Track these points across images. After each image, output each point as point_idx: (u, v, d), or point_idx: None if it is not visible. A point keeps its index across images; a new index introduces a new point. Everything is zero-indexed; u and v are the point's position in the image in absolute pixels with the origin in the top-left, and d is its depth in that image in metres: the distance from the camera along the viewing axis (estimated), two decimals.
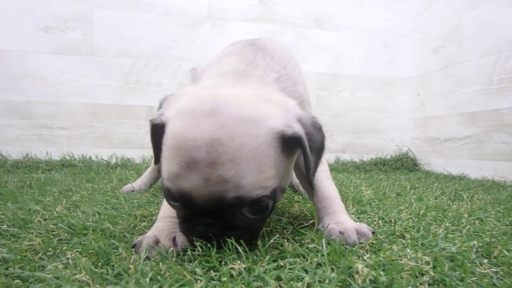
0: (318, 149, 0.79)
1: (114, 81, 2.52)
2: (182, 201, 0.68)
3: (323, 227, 0.85)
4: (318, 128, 0.82)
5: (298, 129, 0.71)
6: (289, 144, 0.71)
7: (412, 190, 1.57)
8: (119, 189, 1.51)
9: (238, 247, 0.67)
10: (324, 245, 0.68)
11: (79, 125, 2.48)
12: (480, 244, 0.78)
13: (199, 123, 0.65)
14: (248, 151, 0.64)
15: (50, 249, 0.73)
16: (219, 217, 0.68)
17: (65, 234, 0.83)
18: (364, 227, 0.82)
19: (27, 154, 2.38)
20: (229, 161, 0.63)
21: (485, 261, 0.69)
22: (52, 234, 0.83)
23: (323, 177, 0.94)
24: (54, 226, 0.87)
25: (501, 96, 2.07)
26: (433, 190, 1.57)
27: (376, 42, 2.92)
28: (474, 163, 2.23)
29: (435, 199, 1.37)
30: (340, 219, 0.86)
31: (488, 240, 0.80)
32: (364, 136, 2.89)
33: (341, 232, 0.80)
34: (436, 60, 2.61)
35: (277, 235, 0.79)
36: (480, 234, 0.88)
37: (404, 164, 2.71)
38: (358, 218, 1.05)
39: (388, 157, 2.81)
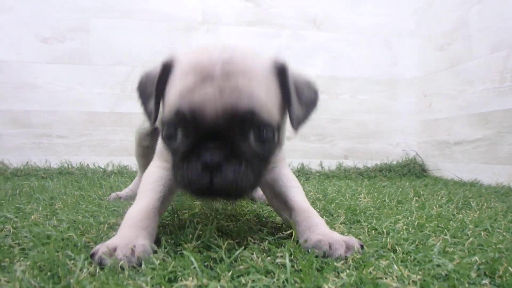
0: (308, 104, 0.83)
1: (111, 89, 2.50)
2: (190, 120, 0.67)
3: (305, 241, 0.77)
4: (310, 86, 0.86)
5: (285, 64, 0.78)
6: (283, 86, 0.77)
7: (415, 198, 1.47)
8: (107, 197, 1.47)
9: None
10: (287, 261, 0.60)
11: (76, 133, 2.47)
12: (483, 260, 0.68)
13: (214, 51, 0.71)
14: (258, 72, 0.71)
15: (6, 259, 0.67)
16: (227, 140, 0.67)
17: (30, 244, 0.77)
18: (353, 240, 0.74)
19: (27, 163, 2.37)
20: (243, 74, 0.68)
21: (487, 281, 0.60)
22: (16, 243, 0.77)
23: (297, 193, 0.91)
24: (23, 235, 0.82)
25: None
26: (439, 198, 1.46)
27: (377, 41, 2.81)
28: (487, 168, 2.11)
29: (440, 207, 1.27)
30: (326, 231, 0.79)
31: (493, 256, 0.68)
32: (367, 141, 2.78)
33: (330, 244, 0.73)
34: (442, 58, 2.50)
35: (250, 245, 0.72)
36: (485, 248, 0.78)
37: (412, 170, 2.58)
38: (349, 228, 0.96)
39: (394, 162, 2.69)
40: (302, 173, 2.50)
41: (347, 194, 1.55)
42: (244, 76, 0.68)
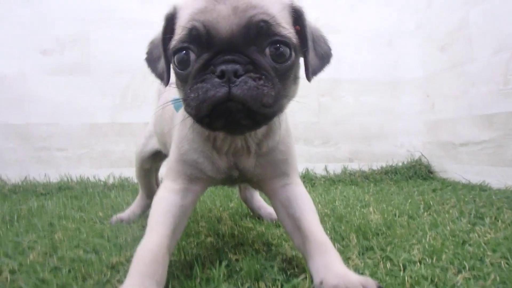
0: (323, 56, 0.84)
1: (111, 99, 2.47)
2: (205, 37, 0.67)
3: (321, 283, 0.72)
4: (325, 40, 0.89)
5: (303, 9, 0.78)
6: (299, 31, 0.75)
7: (425, 212, 1.43)
8: (108, 219, 1.43)
9: None
10: None
11: (77, 145, 2.43)
12: None
13: None
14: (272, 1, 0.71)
15: None
16: (243, 54, 0.66)
17: None
18: (370, 282, 0.69)
19: (25, 177, 2.33)
20: None
21: None
22: None
23: (312, 219, 0.84)
24: (20, 282, 0.78)
25: None
26: (450, 211, 1.42)
27: (378, 42, 2.76)
28: (495, 170, 2.06)
29: (453, 223, 1.23)
30: (341, 271, 0.73)
31: None
32: (371, 143, 2.74)
33: None
34: (444, 58, 2.45)
35: None
36: (508, 283, 0.74)
37: (418, 172, 2.54)
38: (363, 257, 0.92)
39: (400, 164, 2.64)
40: (307, 179, 2.47)
41: (356, 209, 1.50)
42: None
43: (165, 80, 0.80)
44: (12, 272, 0.86)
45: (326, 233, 1.13)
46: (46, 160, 2.39)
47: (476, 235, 1.08)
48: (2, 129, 2.35)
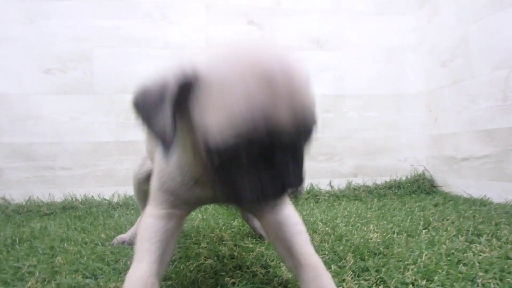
0: None
1: (115, 117, 2.49)
2: (264, 143, 0.60)
3: None
4: None
5: None
6: None
7: (425, 229, 1.43)
8: (110, 241, 1.45)
9: None
10: None
11: (81, 164, 2.46)
12: None
13: (261, 58, 0.62)
14: (305, 80, 0.68)
15: None
16: (292, 146, 0.64)
17: None
18: None
19: (29, 197, 2.36)
20: (303, 88, 0.64)
21: None
22: None
23: (304, 242, 0.85)
24: None
25: None
26: (448, 228, 1.42)
27: (381, 58, 2.79)
28: (496, 185, 2.06)
29: (450, 241, 1.23)
30: None
31: None
32: (375, 157, 2.75)
33: None
34: (445, 74, 2.47)
35: None
36: None
37: (421, 186, 2.53)
38: (358, 279, 0.93)
39: (403, 178, 2.65)
40: (312, 194, 2.47)
41: (356, 228, 1.51)
42: (305, 91, 0.65)
43: (168, 139, 0.64)
44: None
45: (325, 254, 1.15)
46: (50, 179, 2.43)
47: (471, 253, 1.08)
48: (5, 148, 2.38)
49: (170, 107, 0.63)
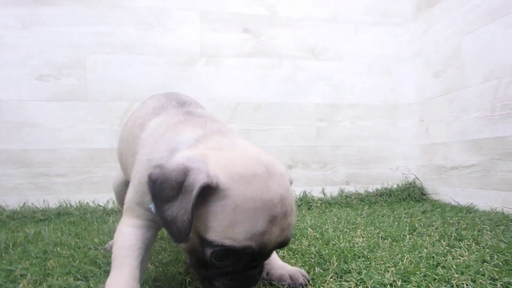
0: None
1: (110, 124, 2.52)
2: (256, 254, 0.76)
3: (267, 274, 0.97)
4: None
5: (291, 178, 0.88)
6: None
7: (409, 235, 1.47)
8: (103, 245, 1.48)
9: None
10: None
11: (76, 171, 2.48)
12: None
13: (268, 185, 0.75)
14: (293, 199, 0.82)
15: None
16: (263, 259, 0.82)
17: None
18: (303, 271, 0.98)
19: (24, 203, 2.38)
20: (291, 211, 0.79)
21: None
22: None
23: None
24: None
25: (505, 123, 1.96)
26: (432, 233, 1.46)
27: (376, 68, 2.85)
28: (483, 193, 2.11)
29: (432, 246, 1.27)
30: (280, 264, 0.99)
31: None
32: (368, 166, 2.79)
33: (290, 276, 0.94)
34: (438, 85, 2.53)
35: None
36: None
37: (411, 194, 2.58)
38: (339, 281, 0.97)
39: (394, 186, 2.69)
40: (305, 201, 2.52)
41: (344, 233, 1.54)
42: (293, 213, 0.79)
43: (179, 238, 0.72)
44: None
45: (311, 257, 1.19)
46: (45, 186, 2.44)
47: (451, 257, 1.12)
48: (0, 155, 2.40)
49: (191, 206, 0.70)
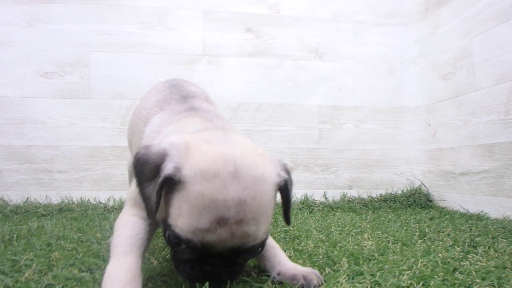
0: (292, 190, 0.92)
1: (111, 123, 2.51)
2: (200, 250, 0.76)
3: (279, 274, 0.94)
4: (290, 173, 0.92)
5: (287, 178, 0.86)
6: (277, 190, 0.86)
7: (420, 240, 1.43)
8: (106, 240, 1.45)
9: None
10: None
11: (77, 168, 2.46)
12: None
13: (227, 185, 0.73)
14: (264, 208, 0.78)
15: None
16: (226, 259, 0.79)
17: None
18: (316, 271, 0.93)
19: (27, 199, 2.36)
20: (253, 219, 0.75)
21: None
22: None
23: None
24: None
25: None
26: (445, 239, 1.42)
27: (381, 70, 2.83)
28: (494, 200, 2.06)
29: (446, 251, 1.23)
30: (292, 265, 0.96)
31: None
32: (372, 171, 2.76)
33: (303, 276, 0.90)
34: (446, 87, 2.49)
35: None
36: None
37: (417, 200, 2.54)
38: (352, 282, 0.93)
39: (399, 192, 2.65)
40: (306, 205, 2.48)
41: (350, 236, 1.51)
42: (252, 221, 0.75)
43: (150, 214, 0.79)
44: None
45: (319, 258, 1.16)
46: (47, 182, 2.43)
47: (468, 263, 1.08)
48: (4, 151, 2.39)
49: (157, 190, 0.76)
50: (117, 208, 2.30)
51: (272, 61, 2.72)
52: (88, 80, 2.50)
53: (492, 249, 1.24)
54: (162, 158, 0.77)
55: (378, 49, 2.83)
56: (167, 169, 0.75)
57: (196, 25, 2.65)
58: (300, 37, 2.76)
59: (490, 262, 1.09)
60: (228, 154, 0.77)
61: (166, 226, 0.78)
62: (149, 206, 0.78)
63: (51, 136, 2.45)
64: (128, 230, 0.88)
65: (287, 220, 0.94)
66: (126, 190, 2.44)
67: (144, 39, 2.59)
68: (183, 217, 0.75)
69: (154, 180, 0.77)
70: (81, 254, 1.20)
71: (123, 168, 2.48)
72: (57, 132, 2.45)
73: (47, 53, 2.48)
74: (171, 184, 0.76)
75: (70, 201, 2.36)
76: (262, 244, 0.83)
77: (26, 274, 0.95)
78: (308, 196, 2.60)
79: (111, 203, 2.40)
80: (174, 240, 0.77)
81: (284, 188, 0.86)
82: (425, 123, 2.71)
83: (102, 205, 2.36)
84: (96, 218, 1.99)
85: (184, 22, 2.64)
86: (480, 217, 1.99)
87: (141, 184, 0.80)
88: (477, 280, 0.91)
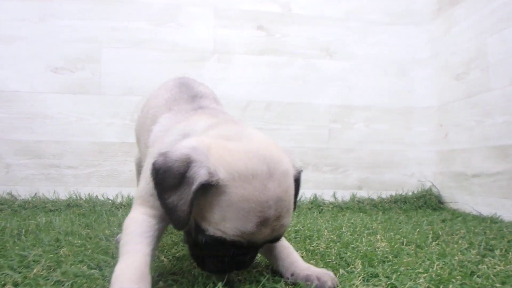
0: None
1: (121, 119, 2.50)
2: (245, 248, 0.80)
3: (292, 275, 0.92)
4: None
5: (300, 170, 0.92)
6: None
7: (434, 241, 1.40)
8: (114, 237, 1.44)
9: None
10: None
11: (86, 164, 2.46)
12: None
13: (266, 185, 0.76)
14: (292, 199, 0.83)
15: None
16: (255, 249, 0.84)
17: None
18: (330, 272, 0.91)
19: (35, 194, 2.36)
20: (287, 212, 0.80)
21: None
22: None
23: None
24: None
25: None
26: (459, 241, 1.39)
27: (392, 70, 2.78)
28: (508, 203, 2.02)
29: (462, 254, 1.20)
30: (306, 265, 0.94)
31: None
32: (382, 171, 2.72)
33: (317, 277, 0.88)
34: (459, 88, 2.44)
35: None
36: None
37: (428, 202, 2.50)
38: (367, 284, 0.91)
39: (410, 193, 2.61)
40: (315, 205, 2.45)
41: (363, 237, 1.48)
42: (288, 214, 0.81)
43: (178, 225, 0.78)
44: (15, 284, 0.86)
45: (331, 259, 1.13)
46: (56, 177, 2.42)
47: (485, 266, 1.05)
48: (13, 145, 2.39)
49: (191, 199, 0.74)
50: (125, 205, 2.29)
51: (282, 59, 2.69)
52: (99, 76, 2.50)
53: (510, 253, 1.21)
54: (187, 164, 0.75)
55: (390, 49, 2.79)
56: (201, 175, 0.73)
57: (207, 22, 2.64)
58: (311, 35, 2.73)
59: (508, 266, 1.06)
60: (258, 151, 0.79)
61: (201, 230, 0.79)
62: (176, 217, 0.76)
63: (61, 132, 2.44)
64: (137, 228, 0.86)
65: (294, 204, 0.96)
66: (134, 187, 2.43)
67: (155, 36, 2.58)
68: (227, 222, 0.76)
69: (179, 189, 0.75)
70: (90, 250, 1.19)
71: (131, 165, 2.46)
72: (66, 127, 2.45)
73: (58, 48, 2.47)
74: (204, 188, 0.75)
75: (78, 197, 2.36)
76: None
77: (35, 270, 0.94)
78: (317, 196, 2.57)
79: (119, 200, 2.39)
80: (213, 243, 0.78)
81: (297, 179, 0.90)
82: (436, 124, 2.67)
83: (110, 201, 2.36)
84: (104, 215, 1.99)
85: (195, 19, 2.63)
86: (493, 220, 1.95)
87: (162, 195, 0.78)
88: (497, 285, 0.89)
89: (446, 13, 2.61)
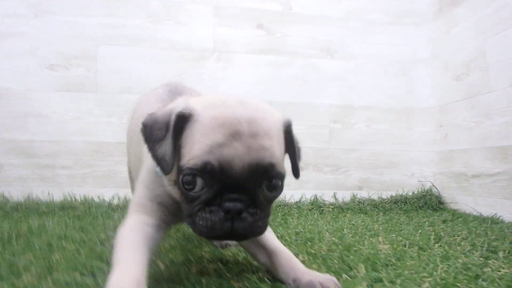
0: (299, 151, 0.95)
1: (117, 118, 2.45)
2: (219, 173, 0.72)
3: (294, 280, 0.89)
4: (299, 144, 0.96)
5: (290, 121, 0.88)
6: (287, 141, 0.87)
7: (436, 244, 1.37)
8: (110, 241, 1.40)
9: None
10: None
11: (81, 164, 2.41)
12: None
13: (236, 108, 0.77)
14: (275, 132, 0.80)
15: None
16: (246, 189, 0.75)
17: None
18: (333, 278, 0.88)
19: (28, 195, 2.31)
20: (266, 135, 0.76)
21: None
22: None
23: (273, 237, 0.99)
24: None
25: None
26: (462, 243, 1.37)
27: (392, 70, 2.76)
28: (508, 204, 2.00)
29: (466, 256, 1.18)
30: (307, 270, 0.91)
31: None
32: (382, 171, 2.69)
33: (320, 283, 0.84)
34: (459, 88, 2.43)
35: None
36: None
37: (428, 202, 2.48)
38: None
39: (410, 194, 2.59)
40: (316, 206, 2.42)
41: (365, 239, 1.45)
42: (266, 136, 0.76)
43: (168, 168, 0.78)
44: None
45: (334, 263, 1.10)
46: (50, 178, 2.37)
47: (490, 269, 1.02)
48: (6, 145, 2.33)
49: (172, 135, 0.77)
50: (122, 207, 2.25)
51: (282, 59, 2.66)
52: (95, 74, 2.45)
53: None
54: (169, 113, 0.79)
55: (390, 49, 2.76)
56: (177, 109, 0.78)
57: (207, 21, 2.60)
58: (311, 35, 2.70)
59: None
60: (233, 96, 0.82)
61: (179, 171, 0.77)
62: (165, 164, 0.77)
63: (55, 131, 2.39)
64: (133, 237, 0.84)
65: (295, 172, 0.94)
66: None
67: (153, 34, 2.53)
68: (196, 144, 0.75)
69: (166, 137, 0.78)
70: (83, 256, 1.15)
71: None
72: (61, 126, 2.39)
73: (53, 45, 2.42)
74: (183, 130, 0.78)
75: (73, 198, 2.31)
76: (282, 174, 0.79)
77: (24, 279, 0.90)
78: (318, 197, 2.54)
79: (115, 201, 2.35)
80: (189, 179, 0.75)
81: (289, 132, 0.87)
82: (436, 124, 2.66)
83: (106, 203, 2.31)
84: (100, 217, 1.94)
85: (194, 17, 2.59)
86: (494, 221, 1.94)
87: (152, 148, 0.80)
88: (503, 287, 0.86)
89: (447, 13, 2.59)
